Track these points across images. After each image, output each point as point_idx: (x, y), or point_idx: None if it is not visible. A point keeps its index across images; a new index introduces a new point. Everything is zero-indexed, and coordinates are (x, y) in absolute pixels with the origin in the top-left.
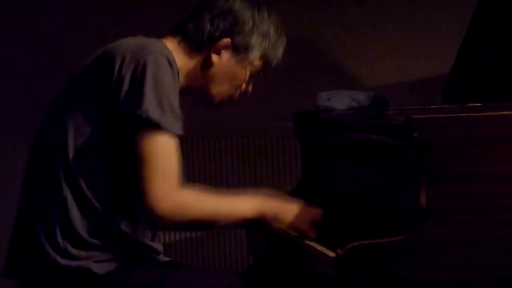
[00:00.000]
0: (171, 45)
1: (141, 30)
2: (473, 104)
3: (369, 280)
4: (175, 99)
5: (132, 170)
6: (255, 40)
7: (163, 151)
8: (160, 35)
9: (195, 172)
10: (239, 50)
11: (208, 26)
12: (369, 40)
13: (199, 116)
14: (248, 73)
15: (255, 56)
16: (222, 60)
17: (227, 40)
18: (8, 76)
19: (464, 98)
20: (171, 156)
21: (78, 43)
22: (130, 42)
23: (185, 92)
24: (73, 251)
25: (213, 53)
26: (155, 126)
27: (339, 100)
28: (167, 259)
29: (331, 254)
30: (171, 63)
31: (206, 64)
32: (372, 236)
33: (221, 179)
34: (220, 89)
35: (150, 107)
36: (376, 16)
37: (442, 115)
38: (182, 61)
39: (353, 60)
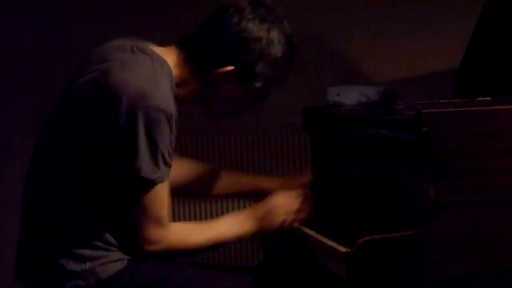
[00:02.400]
0: (175, 59)
1: (141, 28)
2: (483, 98)
3: (379, 275)
4: (169, 149)
5: (124, 210)
6: (260, 69)
7: (156, 200)
8: (166, 41)
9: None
10: (243, 78)
11: (213, 50)
12: (378, 35)
13: (201, 113)
14: (251, 98)
15: (259, 84)
16: (224, 84)
17: (231, 68)
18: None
19: (473, 92)
20: (161, 202)
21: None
22: (130, 76)
23: (185, 101)
24: (76, 251)
25: (216, 77)
26: (147, 183)
27: (349, 95)
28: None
29: (342, 249)
30: (168, 116)
31: (209, 86)
32: (382, 231)
33: None
34: (222, 109)
35: (143, 166)
36: (385, 11)
37: (452, 110)
38: (183, 76)
39: (362, 55)
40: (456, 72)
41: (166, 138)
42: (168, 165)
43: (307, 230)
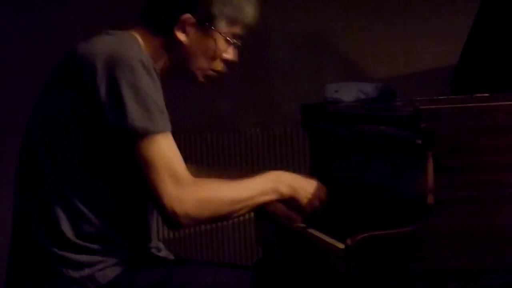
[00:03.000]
0: (139, 36)
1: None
2: (481, 95)
3: (378, 271)
4: (159, 98)
5: (139, 181)
6: (215, 8)
7: (162, 154)
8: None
9: (205, 166)
10: (203, 22)
11: (166, 7)
12: (377, 31)
13: (203, 110)
14: (221, 43)
15: (221, 24)
16: (189, 36)
17: (187, 16)
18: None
19: (471, 89)
20: (170, 155)
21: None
22: (98, 46)
23: (167, 74)
24: (74, 257)
25: (178, 32)
26: (145, 134)
27: (347, 92)
28: (167, 254)
29: (340, 245)
30: (144, 64)
31: (176, 45)
32: (381, 228)
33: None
34: (198, 65)
35: (135, 117)
36: (384, 7)
37: (450, 106)
38: (155, 48)
39: (361, 52)
40: (454, 69)
41: (150, 85)
42: (164, 115)
43: (305, 227)
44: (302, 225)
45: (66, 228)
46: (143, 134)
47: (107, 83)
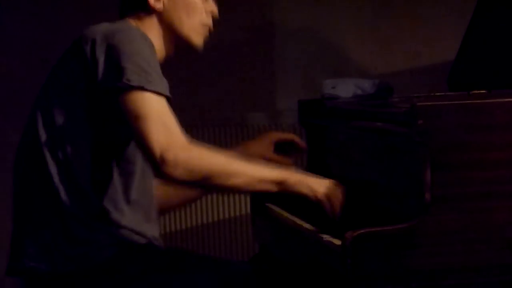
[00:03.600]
0: (133, 22)
1: None
2: (478, 91)
3: (374, 268)
4: (156, 64)
5: (130, 134)
6: None
7: (157, 108)
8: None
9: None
10: None
11: None
12: (374, 28)
13: (202, 105)
14: None
15: None
16: (164, 2)
17: None
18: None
19: (468, 85)
20: (165, 112)
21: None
22: (97, 27)
23: (169, 56)
24: (70, 235)
25: (153, 2)
26: (139, 89)
27: (344, 88)
28: (162, 244)
29: (337, 242)
30: (143, 36)
31: (158, 16)
32: (377, 224)
33: None
34: (187, 25)
35: (131, 76)
36: (381, 3)
37: (447, 102)
38: (145, 31)
39: (358, 48)
40: (452, 65)
41: (149, 53)
42: (162, 77)
43: (301, 223)
44: (299, 220)
45: (65, 199)
46: (137, 89)
47: (106, 51)
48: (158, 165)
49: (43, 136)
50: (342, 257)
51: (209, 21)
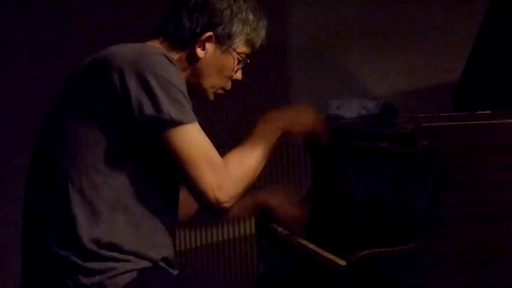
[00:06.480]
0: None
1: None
2: (482, 112)
3: None
4: (184, 88)
5: (181, 177)
6: (236, 28)
7: (198, 144)
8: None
9: None
10: (223, 40)
11: (187, 24)
12: (378, 48)
13: (211, 126)
14: (236, 62)
15: (239, 44)
16: (207, 53)
17: (209, 34)
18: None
19: (473, 106)
20: (204, 143)
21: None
22: (121, 52)
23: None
24: (86, 264)
25: (198, 48)
26: (179, 124)
27: (349, 109)
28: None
29: (342, 262)
30: (169, 58)
31: (193, 60)
32: (382, 245)
33: None
34: (212, 82)
35: (169, 107)
36: (386, 24)
37: (451, 123)
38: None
39: (362, 68)
40: (456, 86)
41: (177, 77)
42: (190, 105)
43: (306, 243)
44: (303, 240)
45: (83, 232)
46: (177, 125)
47: (137, 78)
48: (213, 207)
49: (65, 164)
50: (347, 277)
51: (229, 87)
